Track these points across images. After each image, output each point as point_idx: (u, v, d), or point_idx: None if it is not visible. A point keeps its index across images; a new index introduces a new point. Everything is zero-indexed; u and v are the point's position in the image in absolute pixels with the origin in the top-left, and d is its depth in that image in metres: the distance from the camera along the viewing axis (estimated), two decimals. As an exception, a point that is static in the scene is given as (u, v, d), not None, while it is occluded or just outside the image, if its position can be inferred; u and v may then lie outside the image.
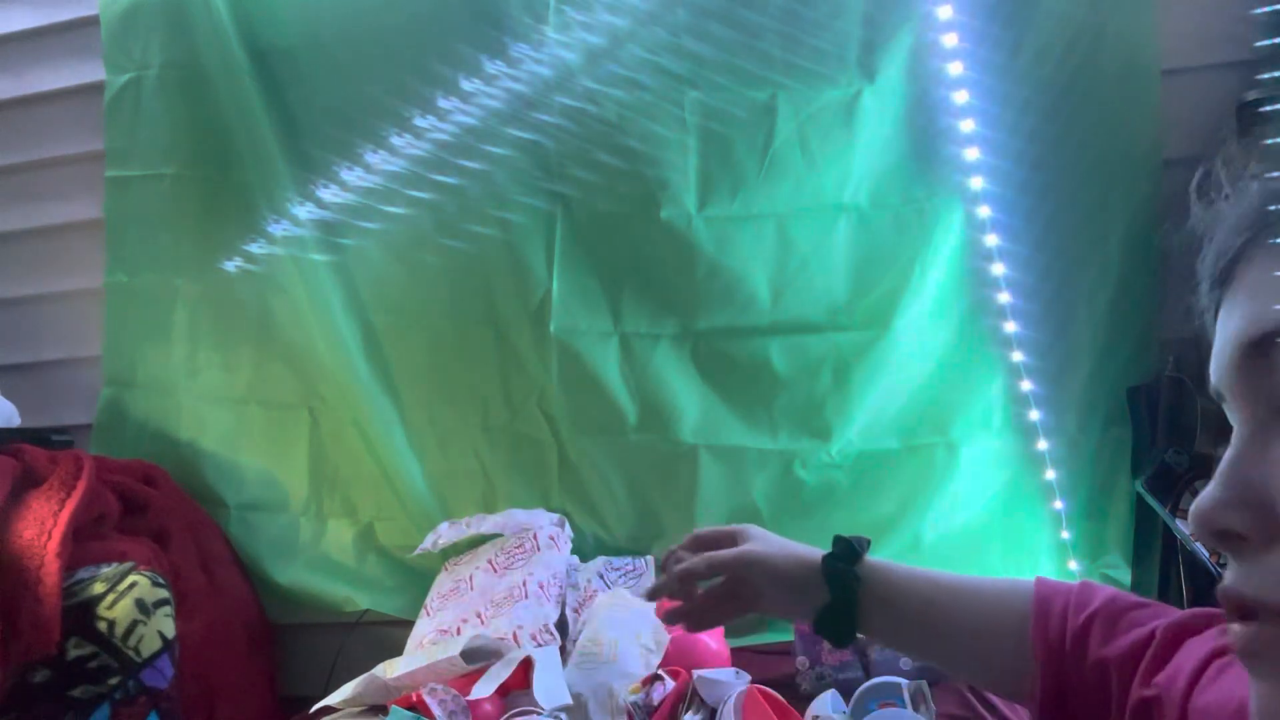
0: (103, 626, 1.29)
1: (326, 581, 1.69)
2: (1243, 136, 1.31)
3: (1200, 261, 0.45)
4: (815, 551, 0.75)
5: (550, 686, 1.17)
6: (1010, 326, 1.43)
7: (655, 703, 1.15)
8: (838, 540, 0.74)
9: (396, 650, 1.38)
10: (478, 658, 1.22)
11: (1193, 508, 0.42)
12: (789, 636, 1.32)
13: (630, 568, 1.53)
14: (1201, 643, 0.58)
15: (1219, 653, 0.56)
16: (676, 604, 0.81)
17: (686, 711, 1.13)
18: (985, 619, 0.70)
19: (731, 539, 0.78)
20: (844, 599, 0.72)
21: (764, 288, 1.49)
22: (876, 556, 0.75)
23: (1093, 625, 0.65)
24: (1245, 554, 0.40)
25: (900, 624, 0.73)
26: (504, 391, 1.62)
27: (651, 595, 0.82)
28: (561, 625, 1.39)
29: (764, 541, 0.77)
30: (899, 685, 1.07)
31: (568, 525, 1.57)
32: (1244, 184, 0.43)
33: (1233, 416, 0.43)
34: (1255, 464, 0.40)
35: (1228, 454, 0.42)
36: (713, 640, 1.30)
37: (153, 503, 1.58)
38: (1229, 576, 0.41)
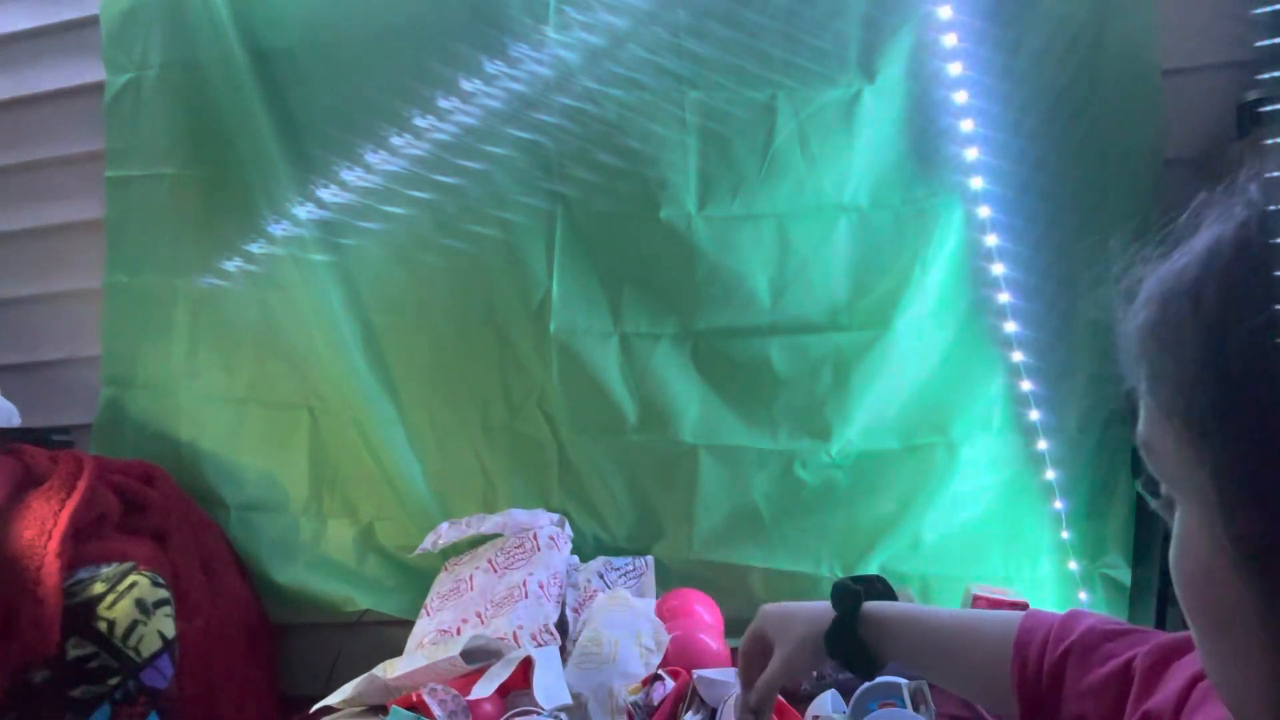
0: (103, 626, 1.29)
1: (326, 581, 1.69)
2: (1243, 136, 1.31)
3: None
4: (826, 620, 0.80)
5: (550, 686, 1.17)
6: (1010, 326, 1.43)
7: (655, 703, 1.15)
8: (834, 597, 0.80)
9: (396, 650, 1.38)
10: (478, 658, 1.22)
11: None
12: (789, 636, 1.31)
13: (630, 568, 1.53)
14: (1189, 664, 0.58)
15: (1201, 676, 0.56)
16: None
17: (686, 711, 1.13)
18: (974, 660, 0.73)
19: (763, 640, 0.84)
20: (856, 662, 0.78)
21: (764, 288, 1.49)
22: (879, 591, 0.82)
23: (1069, 659, 0.66)
24: None
25: (907, 665, 0.78)
26: (504, 391, 1.62)
27: None
28: (561, 625, 1.39)
29: (785, 639, 0.82)
30: (899, 685, 1.07)
31: (568, 525, 1.57)
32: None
33: None
34: None
35: None
36: (713, 640, 1.30)
37: (153, 503, 1.58)
38: None
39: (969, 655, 0.73)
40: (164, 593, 1.37)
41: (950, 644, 0.74)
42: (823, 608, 0.81)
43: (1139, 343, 0.44)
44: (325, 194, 1.63)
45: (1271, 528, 0.37)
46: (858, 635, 0.77)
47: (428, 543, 1.54)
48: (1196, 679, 0.56)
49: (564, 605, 1.43)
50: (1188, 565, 0.42)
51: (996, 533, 1.49)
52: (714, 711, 1.12)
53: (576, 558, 1.55)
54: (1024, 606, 1.23)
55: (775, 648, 0.82)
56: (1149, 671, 0.60)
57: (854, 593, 0.79)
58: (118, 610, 1.31)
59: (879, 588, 0.82)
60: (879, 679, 1.09)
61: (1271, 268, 0.38)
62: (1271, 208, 0.40)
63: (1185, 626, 0.44)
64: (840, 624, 0.78)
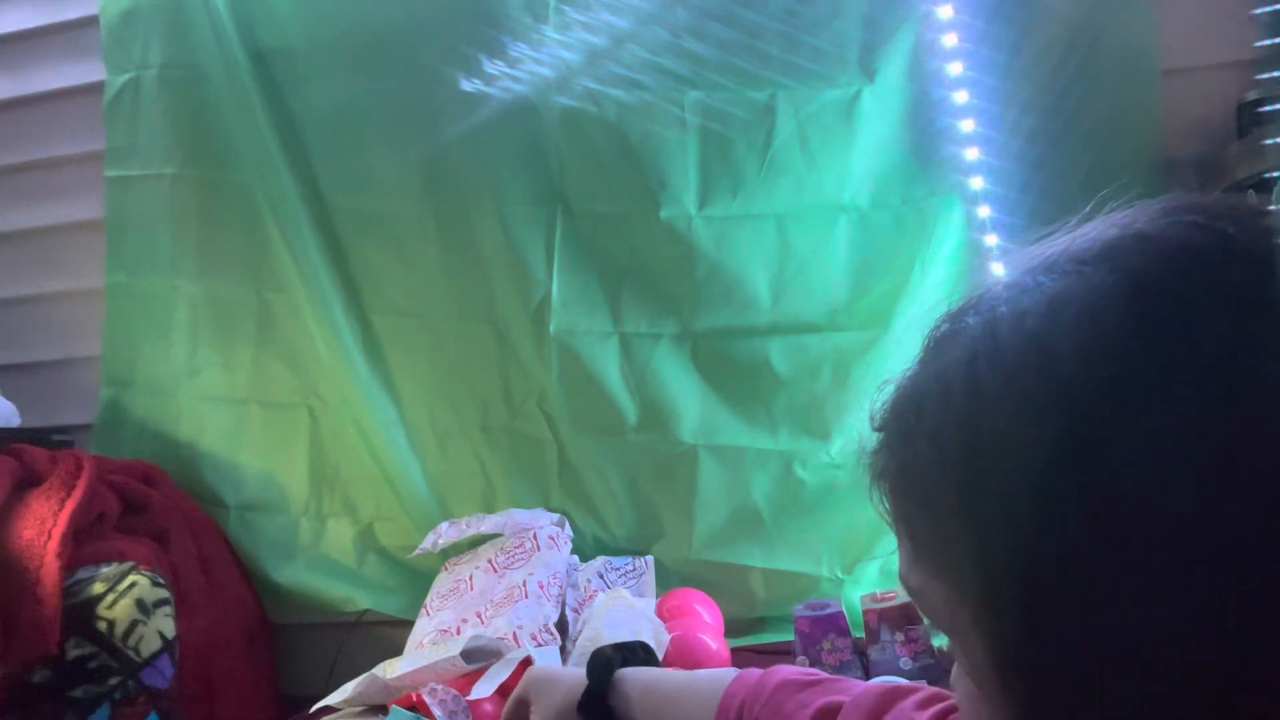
0: (103, 626, 1.29)
1: (326, 581, 1.69)
2: (1243, 136, 1.31)
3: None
4: (580, 685, 0.81)
5: (550, 686, 1.17)
6: (1010, 326, 1.43)
7: (655, 703, 1.15)
8: (589, 665, 0.82)
9: (396, 650, 1.38)
10: (478, 658, 1.22)
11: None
12: (789, 636, 1.32)
13: (630, 568, 1.53)
14: (909, 716, 0.59)
15: None
16: None
17: (686, 711, 1.12)
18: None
19: (525, 704, 0.84)
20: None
21: (764, 288, 1.49)
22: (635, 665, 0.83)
23: (763, 716, 0.67)
24: None
25: None
26: (504, 391, 1.62)
27: None
28: (561, 625, 1.39)
29: (542, 703, 0.83)
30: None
31: (568, 525, 1.57)
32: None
33: None
34: None
35: None
36: (713, 640, 1.30)
37: (153, 503, 1.58)
38: None
39: (689, 715, 0.74)
40: (164, 592, 1.37)
41: (669, 708, 0.76)
42: (582, 675, 0.82)
43: (887, 488, 0.43)
44: (326, 192, 1.64)
45: (1038, 692, 0.36)
46: (608, 703, 0.79)
47: (427, 543, 1.54)
48: None
49: (564, 605, 1.43)
50: (963, 707, 0.42)
51: (996, 533, 1.49)
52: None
53: (576, 558, 1.54)
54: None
55: (532, 712, 0.83)
56: None
57: (608, 660, 0.81)
58: (118, 610, 1.31)
59: (640, 655, 0.84)
60: (877, 679, 1.09)
61: (1005, 412, 0.36)
62: (999, 345, 0.37)
63: None
64: (590, 692, 0.80)
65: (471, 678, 1.19)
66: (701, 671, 0.80)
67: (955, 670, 0.43)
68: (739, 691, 0.70)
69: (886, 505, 0.43)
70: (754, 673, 0.72)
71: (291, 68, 1.62)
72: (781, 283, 1.49)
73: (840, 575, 1.49)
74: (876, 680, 0.66)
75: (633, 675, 0.80)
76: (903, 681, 0.63)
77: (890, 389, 0.43)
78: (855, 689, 0.64)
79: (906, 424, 0.41)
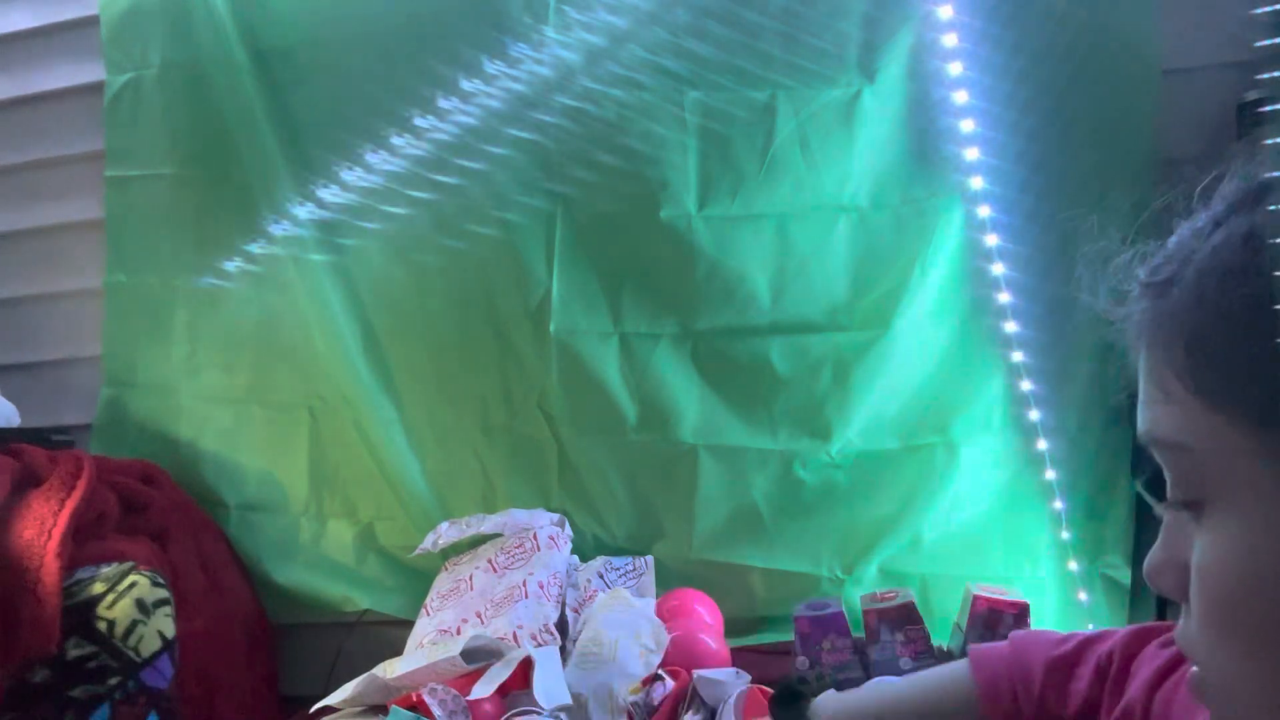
0: (102, 626, 1.29)
1: (326, 581, 1.69)
2: (1242, 136, 1.31)
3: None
4: None
5: (550, 686, 1.17)
6: (1010, 326, 1.43)
7: (655, 703, 1.15)
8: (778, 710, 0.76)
9: (396, 650, 1.38)
10: (478, 658, 1.22)
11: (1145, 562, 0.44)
12: (789, 636, 1.32)
13: (630, 568, 1.53)
14: (1153, 655, 0.58)
15: (1171, 667, 0.56)
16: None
17: (686, 711, 1.13)
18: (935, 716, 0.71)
19: None
20: None
21: (764, 288, 1.49)
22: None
23: (1047, 696, 0.65)
24: (1182, 609, 0.42)
25: None
26: (504, 391, 1.62)
27: None
28: (561, 625, 1.39)
29: None
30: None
31: (568, 525, 1.57)
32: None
33: None
34: (1179, 537, 0.42)
35: (1165, 518, 0.44)
36: (713, 640, 1.30)
37: (153, 503, 1.58)
38: (1178, 626, 0.43)
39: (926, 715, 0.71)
40: (164, 593, 1.37)
41: (901, 710, 0.72)
42: None
43: (1167, 334, 0.42)
44: (325, 194, 1.64)
45: None
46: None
47: (428, 543, 1.54)
48: (1168, 669, 0.56)
49: (564, 605, 1.43)
50: (1238, 573, 0.38)
51: (996, 533, 1.49)
52: (714, 712, 1.12)
53: (576, 558, 1.54)
54: (1024, 607, 1.23)
55: None
56: (1120, 671, 0.60)
57: (798, 693, 0.76)
58: (118, 610, 1.31)
59: (814, 686, 0.82)
60: (877, 679, 1.09)
61: None
62: None
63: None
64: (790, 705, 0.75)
65: (471, 678, 1.19)
66: (920, 674, 0.74)
67: (1212, 560, 0.40)
68: (996, 676, 0.67)
69: (1157, 356, 0.43)
70: (996, 649, 0.68)
71: (291, 67, 1.62)
72: (782, 283, 1.49)
73: (840, 575, 1.49)
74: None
75: (834, 702, 0.74)
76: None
77: (1165, 248, 0.44)
78: (1116, 632, 0.63)
79: (1220, 261, 0.40)
